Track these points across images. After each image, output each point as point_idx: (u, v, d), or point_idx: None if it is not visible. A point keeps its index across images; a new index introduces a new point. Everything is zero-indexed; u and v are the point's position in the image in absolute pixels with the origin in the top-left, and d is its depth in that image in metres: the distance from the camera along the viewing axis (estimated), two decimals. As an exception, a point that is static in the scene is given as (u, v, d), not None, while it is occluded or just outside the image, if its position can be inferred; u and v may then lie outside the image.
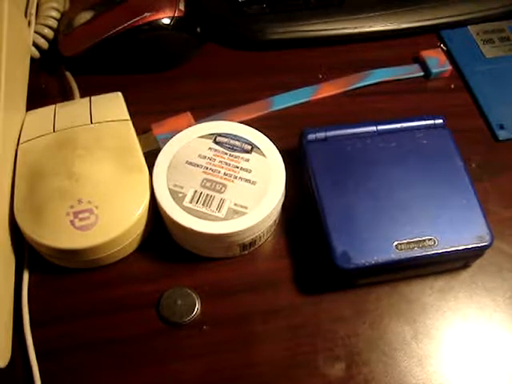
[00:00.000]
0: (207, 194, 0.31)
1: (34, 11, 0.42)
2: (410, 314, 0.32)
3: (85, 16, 0.40)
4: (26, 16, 0.41)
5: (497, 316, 0.32)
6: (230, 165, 0.32)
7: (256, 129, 0.34)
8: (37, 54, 0.41)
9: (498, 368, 0.31)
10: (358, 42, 0.44)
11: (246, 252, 0.34)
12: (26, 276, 0.32)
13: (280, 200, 0.32)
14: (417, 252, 0.31)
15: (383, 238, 0.31)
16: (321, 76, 0.42)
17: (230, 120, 0.35)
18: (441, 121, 0.36)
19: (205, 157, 0.33)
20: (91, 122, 0.34)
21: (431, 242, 0.31)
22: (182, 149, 0.33)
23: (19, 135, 0.34)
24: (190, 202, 0.31)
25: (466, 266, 0.34)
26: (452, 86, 0.42)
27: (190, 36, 0.41)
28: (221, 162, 0.32)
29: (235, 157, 0.33)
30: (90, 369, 0.30)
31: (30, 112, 0.36)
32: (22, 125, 0.35)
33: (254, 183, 0.32)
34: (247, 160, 0.33)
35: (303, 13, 0.43)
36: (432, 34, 0.45)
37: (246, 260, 0.34)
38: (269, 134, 0.34)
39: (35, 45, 0.41)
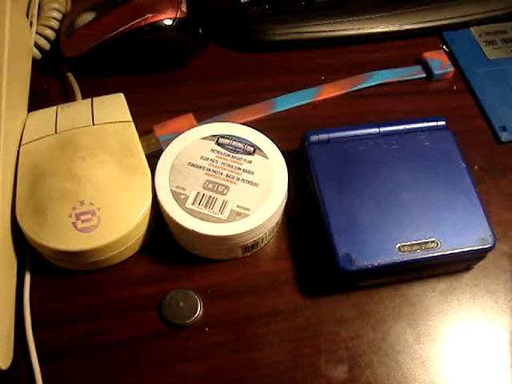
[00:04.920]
0: (209, 196, 0.31)
1: (35, 12, 0.42)
2: (412, 316, 0.32)
3: (87, 17, 0.40)
4: (27, 17, 0.41)
5: (499, 318, 0.32)
6: (232, 166, 0.32)
7: (258, 130, 0.34)
8: (38, 54, 0.41)
9: (501, 370, 0.31)
10: (361, 44, 0.44)
11: (249, 254, 0.33)
12: (27, 278, 0.32)
13: (282, 202, 0.32)
14: (419, 254, 0.31)
15: (386, 240, 0.31)
16: (323, 77, 0.42)
17: (233, 121, 0.35)
18: (443, 122, 0.36)
19: (207, 158, 0.33)
20: (93, 124, 0.34)
21: (434, 244, 0.31)
22: (184, 150, 0.33)
23: (21, 136, 0.34)
24: (193, 204, 0.31)
25: (468, 268, 0.34)
26: (454, 88, 0.42)
27: (192, 37, 0.41)
28: (223, 163, 0.32)
29: (237, 158, 0.33)
30: (91, 371, 0.30)
31: (31, 113, 0.36)
32: (24, 126, 0.35)
33: (256, 185, 0.32)
34: (249, 162, 0.33)
35: (306, 14, 0.42)
36: (434, 36, 0.45)
37: (248, 262, 0.34)
38: (271, 135, 0.34)
39: (37, 46, 0.41)
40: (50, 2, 0.42)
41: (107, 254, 0.31)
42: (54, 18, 0.42)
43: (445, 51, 0.43)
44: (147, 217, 0.32)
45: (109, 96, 0.37)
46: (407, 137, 0.35)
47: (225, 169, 0.32)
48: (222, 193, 0.31)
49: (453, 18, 0.44)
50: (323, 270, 0.33)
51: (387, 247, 0.31)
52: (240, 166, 0.32)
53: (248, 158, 0.33)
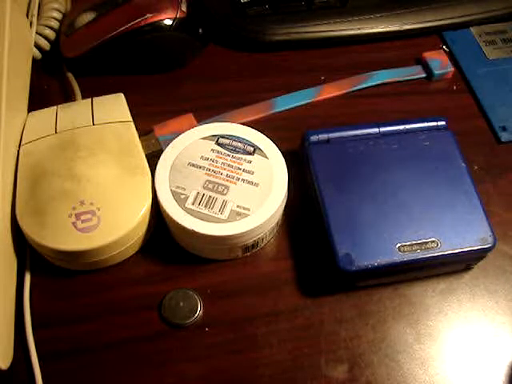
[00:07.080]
0: (209, 196, 0.31)
1: (35, 12, 0.42)
2: (412, 316, 0.32)
3: (87, 17, 0.40)
4: (27, 17, 0.41)
5: (499, 318, 0.32)
6: (232, 166, 0.32)
7: (258, 130, 0.34)
8: (38, 54, 0.41)
9: (500, 370, 0.31)
10: (361, 44, 0.44)
11: (249, 254, 0.33)
12: (27, 278, 0.32)
13: (282, 202, 0.32)
14: (419, 254, 0.31)
15: (386, 240, 0.31)
16: (323, 77, 0.42)
17: (233, 121, 0.35)
18: (443, 122, 0.36)
19: (207, 158, 0.33)
20: (93, 124, 0.34)
21: (434, 244, 0.31)
22: (184, 150, 0.33)
23: (21, 136, 0.34)
24: (193, 204, 0.31)
25: (468, 268, 0.34)
26: (454, 88, 0.42)
27: (192, 37, 0.41)
28: (223, 163, 0.32)
29: (237, 158, 0.33)
30: (92, 370, 0.30)
31: (31, 113, 0.36)
32: (24, 126, 0.35)
33: (256, 185, 0.32)
34: (249, 162, 0.33)
35: (306, 14, 0.42)
36: (434, 36, 0.45)
37: (248, 262, 0.34)
38: (271, 135, 0.34)
39: (37, 46, 0.41)
40: (50, 2, 0.42)
41: (107, 253, 0.31)
42: (54, 18, 0.42)
43: (445, 51, 0.43)
44: (147, 217, 0.32)
45: (109, 96, 0.37)
46: (407, 137, 0.35)
47: (225, 169, 0.32)
48: (221, 193, 0.31)
49: (453, 18, 0.44)
50: (323, 269, 0.33)
51: (387, 247, 0.31)
52: (240, 166, 0.32)
53: (248, 158, 0.33)
